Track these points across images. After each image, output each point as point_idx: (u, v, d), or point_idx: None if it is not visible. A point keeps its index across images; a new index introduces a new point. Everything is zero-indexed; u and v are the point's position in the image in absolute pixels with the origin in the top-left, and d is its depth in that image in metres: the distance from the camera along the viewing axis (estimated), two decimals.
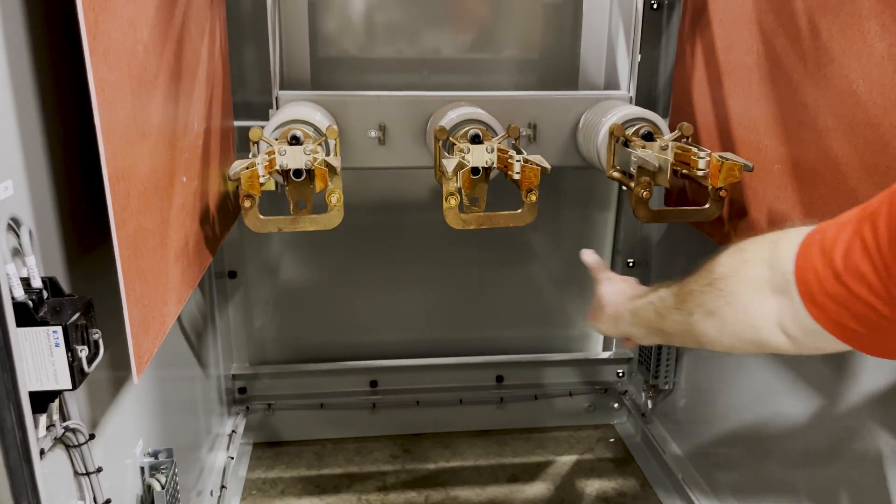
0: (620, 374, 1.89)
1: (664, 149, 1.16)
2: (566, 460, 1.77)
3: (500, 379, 1.86)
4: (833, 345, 0.60)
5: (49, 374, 0.64)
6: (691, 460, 1.61)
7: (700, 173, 1.10)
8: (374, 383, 1.82)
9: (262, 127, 1.12)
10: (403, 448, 1.80)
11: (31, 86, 0.71)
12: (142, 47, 0.78)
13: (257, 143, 1.12)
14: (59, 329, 0.63)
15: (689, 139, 1.17)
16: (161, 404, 1.14)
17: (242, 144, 1.42)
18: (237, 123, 1.42)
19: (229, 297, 1.73)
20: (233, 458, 1.59)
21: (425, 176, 1.63)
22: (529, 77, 1.72)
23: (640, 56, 1.44)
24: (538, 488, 1.67)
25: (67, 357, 0.64)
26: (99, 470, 0.79)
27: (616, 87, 1.56)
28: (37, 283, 0.66)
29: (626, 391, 1.89)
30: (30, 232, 0.66)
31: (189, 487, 1.33)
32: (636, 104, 1.46)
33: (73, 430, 0.75)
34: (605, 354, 1.90)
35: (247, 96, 1.57)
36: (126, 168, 0.72)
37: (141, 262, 0.75)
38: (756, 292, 0.66)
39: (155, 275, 0.80)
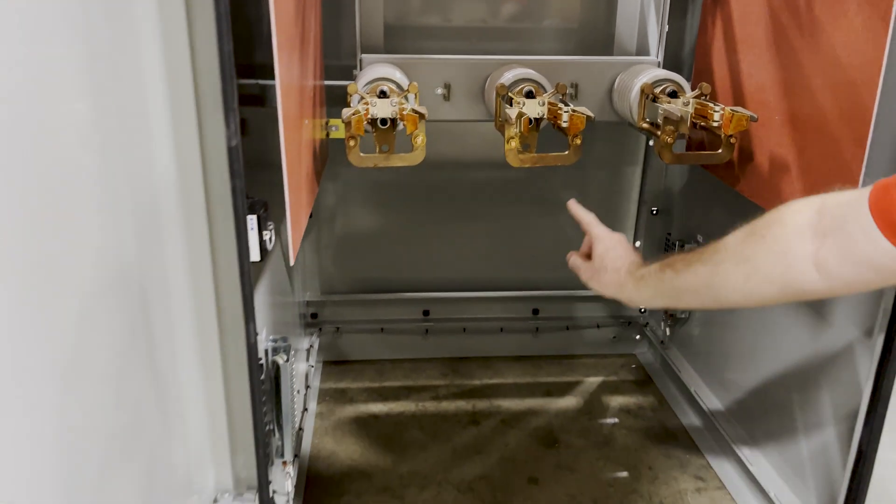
0: (642, 310, 2.15)
1: (686, 104, 1.40)
2: (593, 381, 2.04)
3: (535, 311, 2.13)
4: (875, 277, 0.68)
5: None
6: (703, 378, 1.87)
7: (715, 124, 1.34)
8: (426, 312, 2.09)
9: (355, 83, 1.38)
10: (452, 368, 2.08)
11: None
12: (292, 21, 1.03)
13: (352, 96, 1.38)
14: (254, 218, 0.90)
15: (707, 97, 1.41)
16: (273, 314, 1.42)
17: (329, 101, 1.67)
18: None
19: (306, 234, 2.00)
20: (312, 367, 1.88)
21: (480, 139, 1.90)
22: (568, 45, 1.95)
23: (668, 27, 1.67)
24: (569, 401, 1.94)
25: (259, 237, 0.91)
26: None
27: (647, 53, 1.79)
28: None
29: (647, 324, 2.15)
30: None
31: None
32: (664, 68, 1.69)
33: None
34: None
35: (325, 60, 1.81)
36: (285, 111, 0.98)
37: (294, 177, 1.02)
38: (798, 235, 0.71)
39: (298, 189, 1.07)
